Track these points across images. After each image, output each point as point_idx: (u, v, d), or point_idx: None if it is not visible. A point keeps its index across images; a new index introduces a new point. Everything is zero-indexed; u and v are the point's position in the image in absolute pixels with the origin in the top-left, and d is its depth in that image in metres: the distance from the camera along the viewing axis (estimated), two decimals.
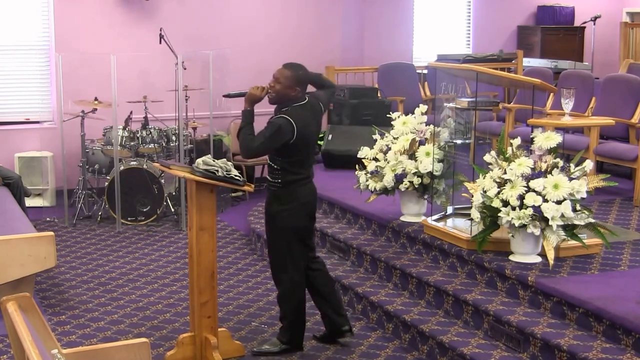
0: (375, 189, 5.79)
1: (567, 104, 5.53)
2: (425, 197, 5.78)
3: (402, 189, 5.70)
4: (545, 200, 4.65)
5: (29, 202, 7.78)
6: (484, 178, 4.94)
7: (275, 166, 4.68)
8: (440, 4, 10.65)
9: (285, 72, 4.62)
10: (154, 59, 8.44)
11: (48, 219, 7.92)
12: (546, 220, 4.65)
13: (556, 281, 4.59)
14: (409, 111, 6.06)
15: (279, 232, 4.77)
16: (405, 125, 5.81)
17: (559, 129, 5.56)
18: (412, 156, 5.67)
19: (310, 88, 4.90)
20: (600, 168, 7.35)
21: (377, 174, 5.77)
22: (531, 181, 4.71)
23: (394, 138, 5.81)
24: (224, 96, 4.84)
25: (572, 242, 4.87)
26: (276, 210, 4.74)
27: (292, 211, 4.71)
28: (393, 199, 5.96)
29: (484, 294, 4.85)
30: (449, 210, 5.67)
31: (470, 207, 5.01)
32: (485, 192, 4.87)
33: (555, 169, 4.76)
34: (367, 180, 5.83)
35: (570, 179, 4.72)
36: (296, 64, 4.72)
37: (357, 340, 5.03)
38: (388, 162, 5.72)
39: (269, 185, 4.76)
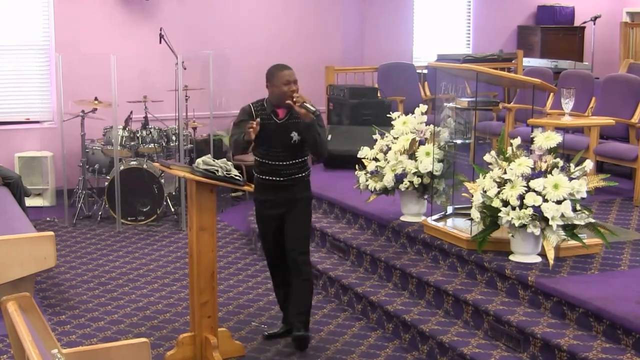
0: (375, 189, 5.79)
1: (567, 104, 5.53)
2: (425, 197, 5.78)
3: (402, 189, 5.70)
4: (545, 200, 4.65)
5: (29, 202, 7.78)
6: (484, 178, 4.94)
7: (306, 157, 4.89)
8: (440, 4, 10.65)
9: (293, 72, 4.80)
10: (154, 59, 8.45)
11: (48, 219, 7.92)
12: (546, 220, 4.65)
13: (556, 281, 4.59)
14: (409, 111, 6.06)
15: (309, 220, 4.96)
16: (405, 125, 5.81)
17: (559, 128, 5.57)
18: (412, 156, 5.67)
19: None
20: (600, 168, 7.35)
21: (377, 174, 5.77)
22: (531, 181, 4.71)
23: (394, 138, 5.81)
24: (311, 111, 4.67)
25: (572, 242, 4.87)
26: (308, 196, 4.92)
27: None
28: (393, 199, 5.96)
29: (484, 294, 4.85)
30: (449, 210, 5.67)
31: (470, 207, 5.01)
32: (485, 192, 4.87)
33: (555, 168, 4.76)
34: (367, 180, 5.83)
35: (570, 179, 4.72)
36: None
37: (357, 340, 5.03)
38: (388, 162, 5.72)
39: (300, 177, 4.83)
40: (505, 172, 4.80)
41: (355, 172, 5.94)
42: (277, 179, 4.79)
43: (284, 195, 4.82)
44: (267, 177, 4.81)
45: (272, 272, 5.14)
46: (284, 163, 4.76)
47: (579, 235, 4.80)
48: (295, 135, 4.72)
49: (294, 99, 4.62)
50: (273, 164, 4.77)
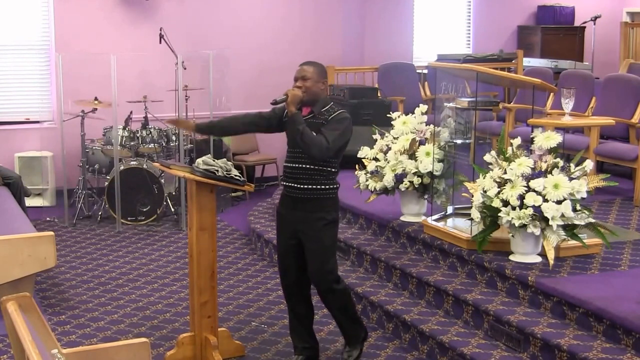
0: (375, 188, 5.79)
1: (567, 104, 5.53)
2: (425, 197, 5.78)
3: (402, 189, 5.70)
4: (546, 200, 4.65)
5: (29, 202, 7.78)
6: (484, 178, 4.93)
7: (333, 169, 4.41)
8: (440, 4, 10.65)
9: (310, 68, 4.40)
10: (154, 59, 8.45)
11: (48, 218, 7.92)
12: (546, 220, 4.65)
13: (556, 281, 4.59)
14: (409, 111, 6.06)
15: (333, 242, 4.52)
16: (405, 125, 5.81)
17: (559, 128, 5.56)
18: (412, 156, 5.67)
19: None
20: (600, 168, 7.35)
21: (377, 174, 5.77)
22: (531, 181, 4.71)
23: (394, 138, 5.81)
24: (272, 104, 4.37)
25: (572, 242, 4.87)
26: (333, 218, 4.44)
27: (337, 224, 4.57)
28: (393, 199, 5.96)
29: (484, 294, 4.85)
30: (449, 210, 5.67)
31: (470, 207, 5.01)
32: (485, 192, 4.87)
33: (555, 168, 4.76)
34: (367, 180, 5.83)
35: (571, 179, 4.72)
36: (313, 61, 4.52)
37: None
38: (388, 162, 5.72)
39: (324, 192, 4.39)
40: (505, 172, 4.80)
41: (355, 172, 5.94)
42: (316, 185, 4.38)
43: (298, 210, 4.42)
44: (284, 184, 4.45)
45: (289, 298, 4.65)
46: (303, 166, 4.37)
47: (579, 235, 4.80)
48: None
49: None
50: (291, 167, 4.42)
